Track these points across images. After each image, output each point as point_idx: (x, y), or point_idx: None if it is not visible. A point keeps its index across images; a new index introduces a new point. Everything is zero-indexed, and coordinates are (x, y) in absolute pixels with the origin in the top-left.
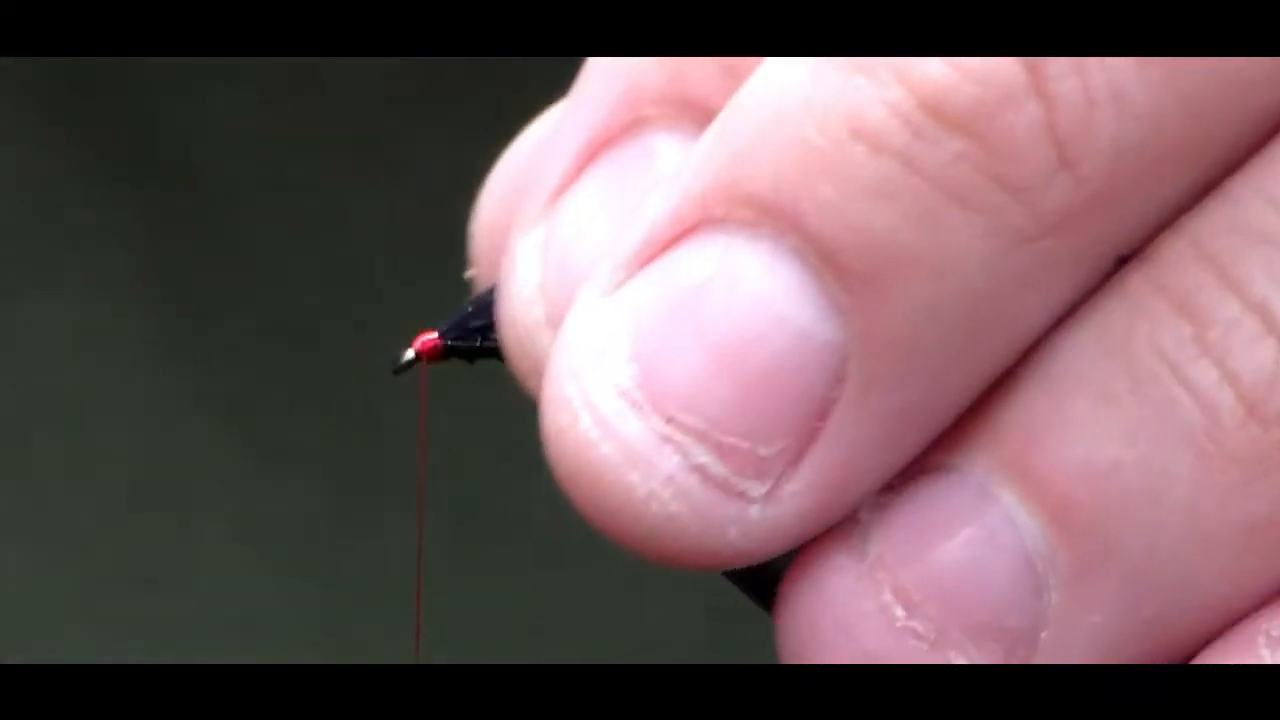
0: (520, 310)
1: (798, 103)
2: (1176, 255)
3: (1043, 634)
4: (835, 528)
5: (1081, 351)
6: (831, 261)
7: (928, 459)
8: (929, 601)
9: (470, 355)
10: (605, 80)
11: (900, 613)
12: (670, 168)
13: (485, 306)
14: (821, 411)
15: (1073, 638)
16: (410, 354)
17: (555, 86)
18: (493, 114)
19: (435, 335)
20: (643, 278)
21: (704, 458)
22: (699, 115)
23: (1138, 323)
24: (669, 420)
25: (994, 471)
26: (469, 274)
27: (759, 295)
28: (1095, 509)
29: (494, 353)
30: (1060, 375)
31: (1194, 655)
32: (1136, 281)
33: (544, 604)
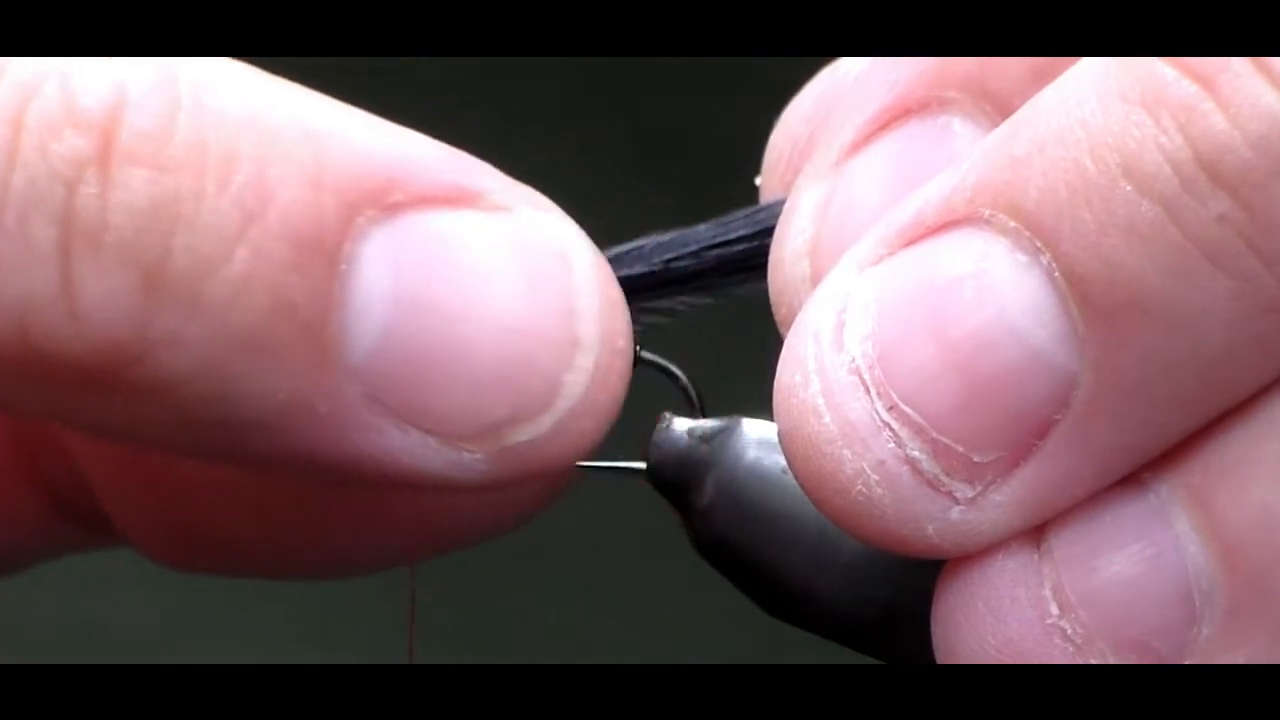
0: (787, 262)
1: (1079, 125)
2: None
3: (1186, 663)
4: None
5: None
6: (1078, 288)
7: None
8: (1084, 607)
9: None
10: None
11: (1054, 610)
12: (961, 154)
13: None
14: (1040, 431)
15: None
16: None
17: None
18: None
19: None
20: (900, 259)
21: (918, 452)
22: (998, 109)
23: None
24: (891, 408)
25: (1176, 494)
26: (758, 180)
27: (1004, 305)
28: (1263, 554)
29: None
30: (1263, 419)
31: None
32: None
33: (537, 605)
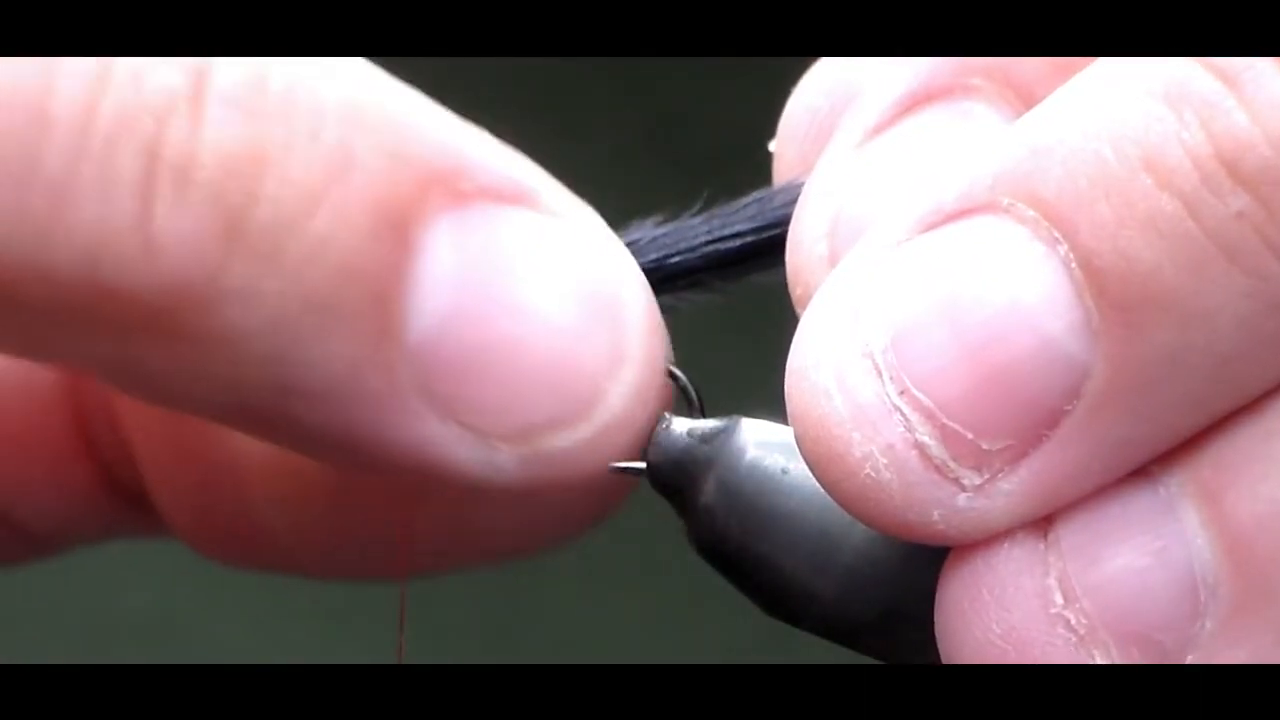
0: (805, 242)
1: (1101, 118)
2: None
3: (1188, 657)
4: None
5: None
6: (1093, 280)
7: None
8: (1088, 598)
9: None
10: None
11: (1058, 600)
12: (980, 142)
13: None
14: (1051, 421)
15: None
16: None
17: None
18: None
19: None
20: (918, 245)
21: (927, 437)
22: (1021, 99)
23: None
24: (902, 392)
25: (1185, 488)
26: (771, 145)
27: (1019, 294)
28: (1270, 551)
29: None
30: (1274, 416)
31: None
32: None
33: (536, 605)
